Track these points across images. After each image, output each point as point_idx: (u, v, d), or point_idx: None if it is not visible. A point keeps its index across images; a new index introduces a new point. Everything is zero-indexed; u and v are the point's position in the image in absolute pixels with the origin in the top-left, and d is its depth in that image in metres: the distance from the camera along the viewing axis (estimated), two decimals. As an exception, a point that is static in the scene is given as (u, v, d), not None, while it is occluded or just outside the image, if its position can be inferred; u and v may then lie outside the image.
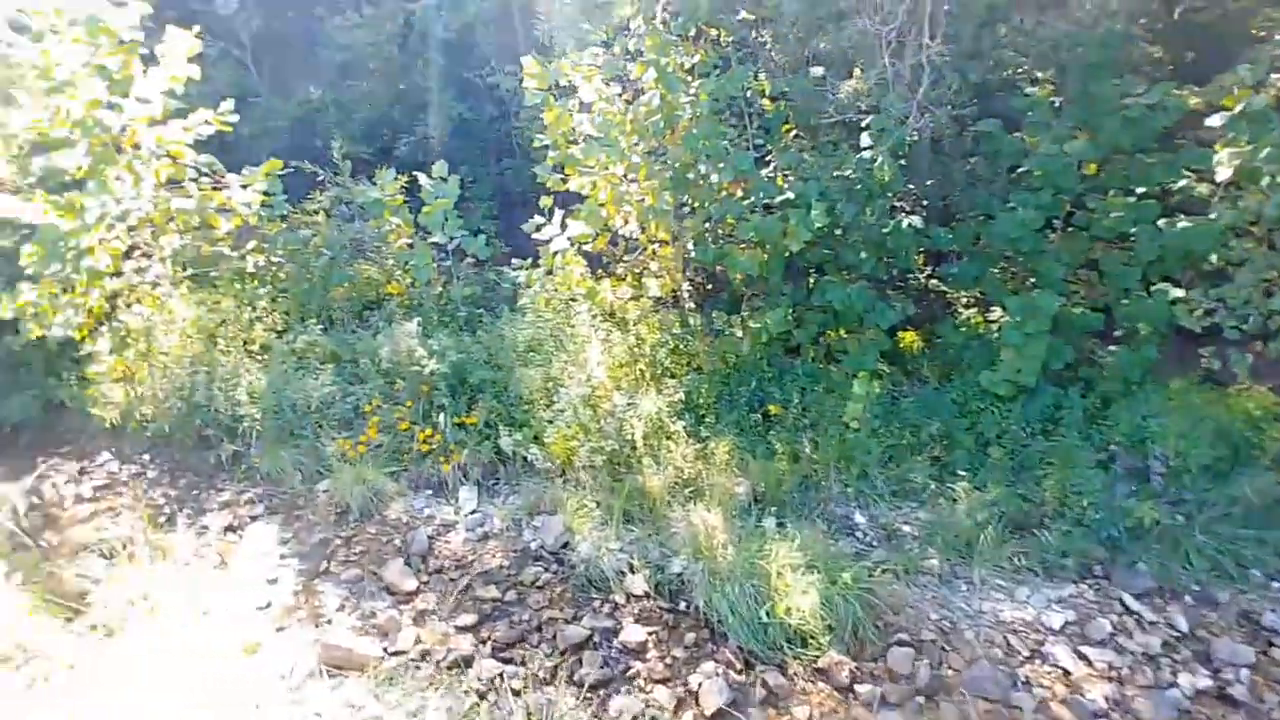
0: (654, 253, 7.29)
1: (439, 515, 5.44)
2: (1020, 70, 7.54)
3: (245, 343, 6.63)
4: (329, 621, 4.50)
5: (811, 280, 6.89)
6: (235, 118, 7.07)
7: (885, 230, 6.46)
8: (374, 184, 7.45)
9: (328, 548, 5.12)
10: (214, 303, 6.79)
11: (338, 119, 11.85)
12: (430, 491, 5.72)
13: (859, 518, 5.38)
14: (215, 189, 7.27)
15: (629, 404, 5.91)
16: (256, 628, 4.36)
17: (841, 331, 6.56)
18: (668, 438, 5.75)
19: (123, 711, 2.69)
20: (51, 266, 6.24)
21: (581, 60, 6.72)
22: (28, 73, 6.74)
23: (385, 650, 4.23)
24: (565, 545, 5.06)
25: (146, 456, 6.16)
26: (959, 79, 6.89)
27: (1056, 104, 6.57)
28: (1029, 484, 5.28)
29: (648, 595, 4.67)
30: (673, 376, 6.43)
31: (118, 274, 6.78)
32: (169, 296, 6.76)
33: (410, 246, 7.33)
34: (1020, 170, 6.39)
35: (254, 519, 5.52)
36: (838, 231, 6.60)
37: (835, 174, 6.73)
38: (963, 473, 5.40)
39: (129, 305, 6.79)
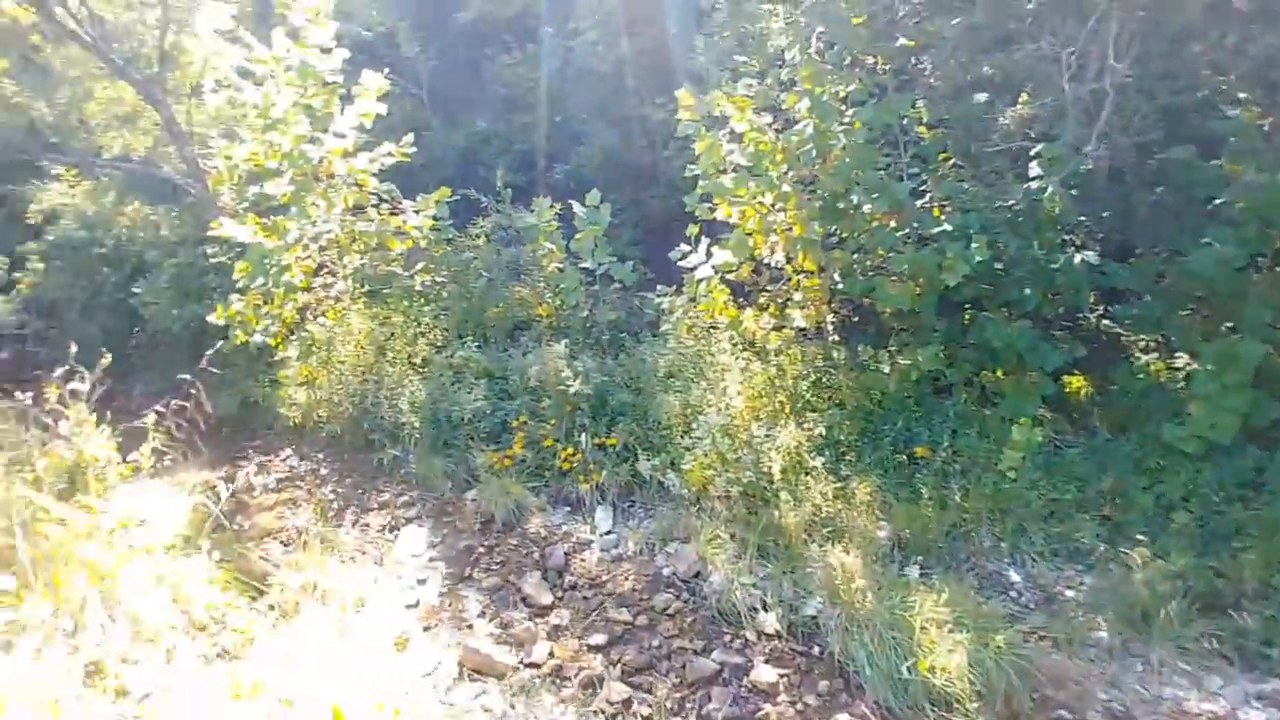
0: (799, 283, 7.17)
1: (575, 533, 5.60)
2: (1220, 91, 6.79)
3: (409, 356, 7.17)
4: (470, 626, 4.74)
5: (967, 317, 6.51)
6: (414, 149, 7.76)
7: (1054, 266, 6.00)
8: (531, 211, 7.91)
9: (472, 555, 5.40)
10: (385, 318, 7.40)
11: (499, 149, 12.66)
12: (568, 509, 5.91)
13: (1014, 576, 4.98)
14: (392, 214, 8.00)
15: (767, 436, 5.83)
16: (406, 624, 4.67)
17: (999, 373, 6.14)
18: (806, 473, 5.61)
19: (295, 687, 2.96)
20: (256, 281, 7.10)
21: (735, 91, 6.79)
22: (249, 112, 7.74)
23: (521, 661, 4.38)
24: (697, 575, 5.04)
25: (321, 455, 6.79)
26: (1145, 102, 6.32)
27: (1264, 127, 5.86)
28: (1223, 556, 4.66)
29: (780, 635, 4.55)
30: (813, 410, 6.27)
31: (308, 289, 7.60)
32: (348, 311, 7.46)
33: (561, 271, 7.67)
34: (1218, 202, 5.73)
35: (408, 521, 5.92)
36: (999, 266, 6.22)
37: (998, 205, 6.37)
38: (1140, 537, 4.86)
39: (315, 317, 7.55)
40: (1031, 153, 6.26)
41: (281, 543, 5.35)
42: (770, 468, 5.60)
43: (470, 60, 14.68)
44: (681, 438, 6.00)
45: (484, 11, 14.56)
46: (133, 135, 8.67)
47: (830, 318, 7.15)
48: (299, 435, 7.12)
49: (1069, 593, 4.77)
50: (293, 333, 7.44)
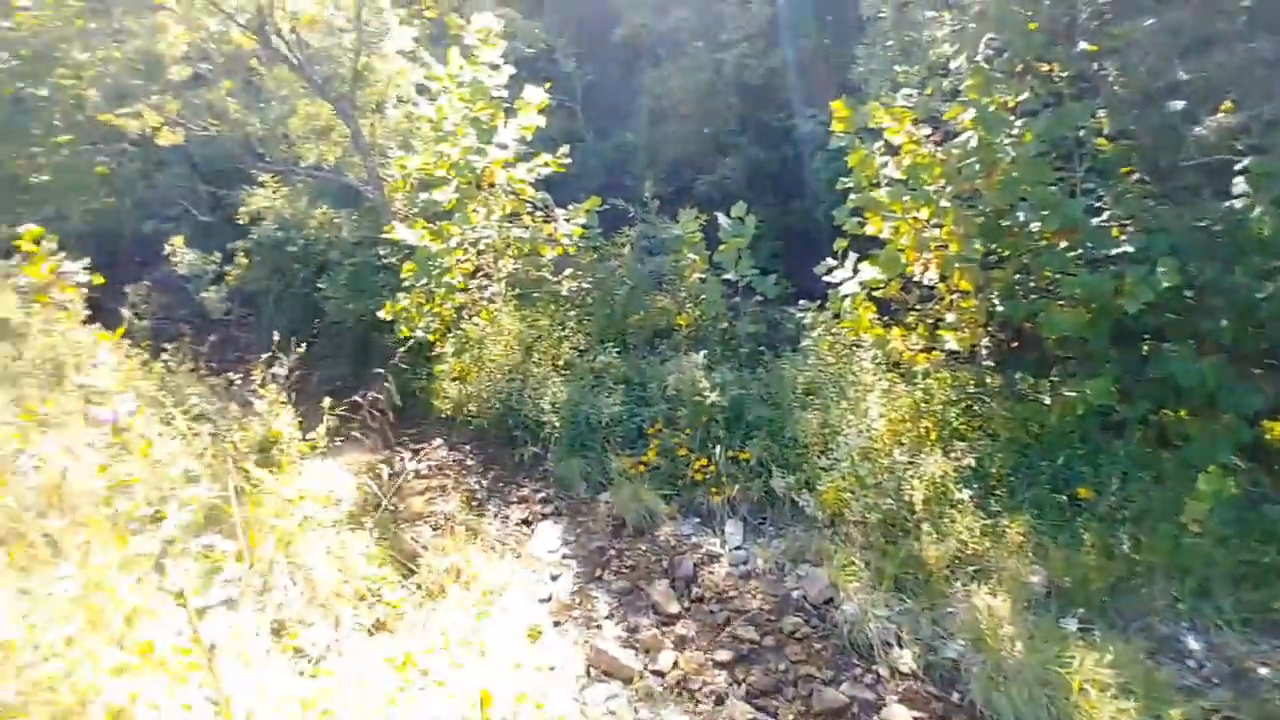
0: (952, 303, 6.80)
1: (705, 545, 5.61)
2: None
3: (554, 358, 7.48)
4: (598, 626, 4.87)
5: (1146, 348, 5.90)
6: (569, 160, 8.11)
7: (1260, 296, 5.32)
8: (676, 221, 8.03)
9: (603, 556, 5.54)
10: (533, 320, 7.77)
11: (646, 160, 12.92)
12: (698, 520, 5.93)
13: (1193, 643, 4.44)
14: (545, 222, 8.40)
15: (910, 462, 5.56)
16: (539, 617, 4.86)
17: (1183, 413, 5.51)
18: (951, 505, 5.29)
19: (439, 665, 3.16)
20: (421, 280, 7.69)
21: (895, 102, 6.56)
22: (423, 125, 8.41)
23: (646, 667, 4.45)
24: (828, 601, 4.90)
25: (468, 447, 7.22)
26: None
27: None
28: None
29: (915, 675, 4.32)
30: (962, 439, 5.92)
31: (465, 289, 8.12)
32: (499, 312, 7.89)
33: (702, 281, 7.72)
34: None
35: (544, 517, 6.17)
36: (1188, 293, 5.60)
37: (1192, 225, 5.72)
38: (1358, 615, 4.20)
39: (470, 317, 8.05)
40: (1236, 168, 5.59)
41: (431, 527, 5.73)
42: (912, 496, 5.35)
43: (622, 74, 15.14)
44: (818, 457, 5.86)
45: (638, 26, 14.97)
46: (325, 147, 9.68)
47: (986, 341, 6.71)
48: (449, 427, 7.60)
49: (1262, 670, 4.19)
50: (449, 330, 7.98)
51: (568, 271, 8.28)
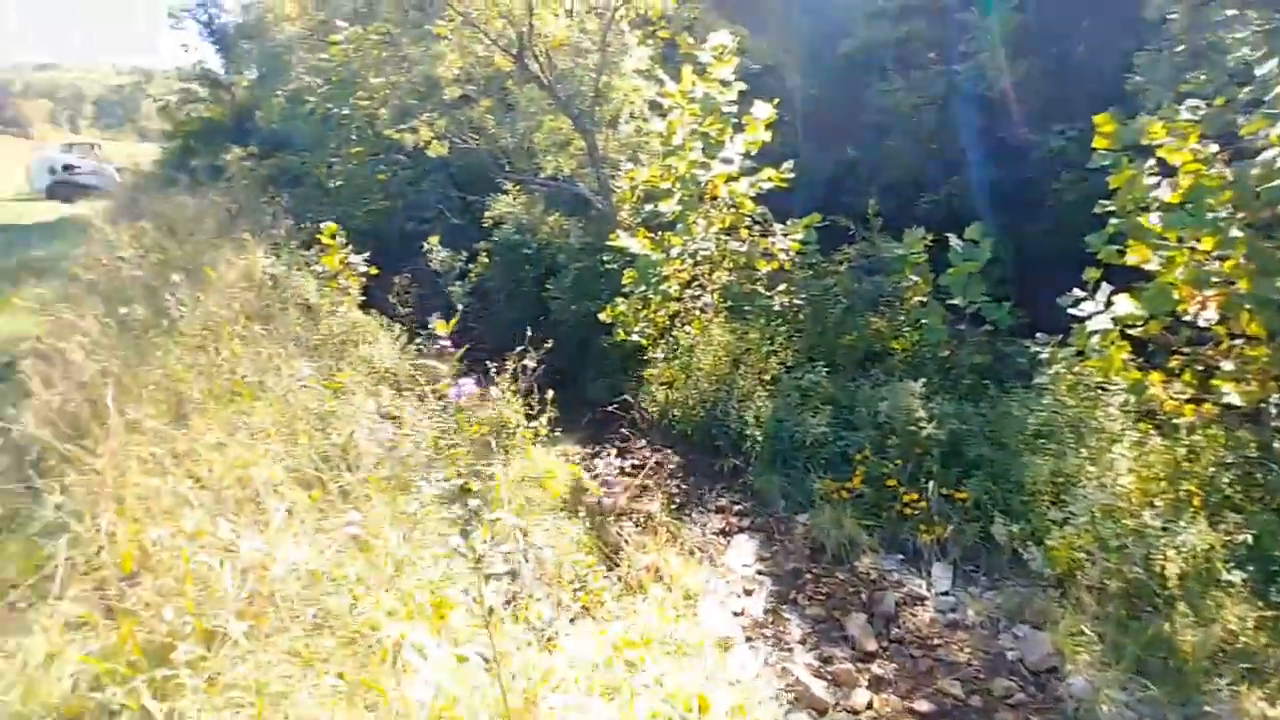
0: (1233, 349, 5.83)
1: (908, 584, 5.31)
2: None
3: (760, 372, 7.48)
4: (789, 650, 4.79)
5: None
6: (792, 176, 8.07)
7: None
8: (899, 240, 7.68)
9: (798, 579, 5.45)
10: (742, 333, 7.83)
11: (866, 177, 12.50)
12: (902, 556, 5.62)
13: None
14: (761, 236, 8.43)
15: (1164, 529, 4.85)
16: (731, 630, 4.89)
17: None
18: (1217, 586, 4.54)
19: (646, 659, 3.30)
20: (639, 287, 8.06)
21: (1178, 115, 5.76)
22: (653, 140, 8.82)
23: (838, 702, 4.31)
24: (1050, 670, 4.42)
25: (671, 451, 7.45)
26: None
27: None
28: None
29: (1157, 774, 3.78)
30: (1236, 510, 5.05)
31: (679, 299, 8.38)
32: (710, 323, 8.05)
33: (923, 305, 7.32)
34: None
35: (740, 530, 6.19)
36: None
37: None
38: None
39: (682, 325, 8.30)
40: None
41: (634, 523, 5.99)
42: (1164, 568, 4.66)
43: (847, 88, 14.75)
44: (1048, 508, 5.30)
45: (867, 39, 14.53)
46: (562, 158, 10.50)
47: (1276, 397, 5.66)
48: (653, 430, 7.89)
49: None
50: (661, 336, 8.28)
51: (781, 287, 8.23)
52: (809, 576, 5.47)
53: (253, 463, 3.03)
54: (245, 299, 6.23)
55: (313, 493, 3.12)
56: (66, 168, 23.47)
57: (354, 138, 10.52)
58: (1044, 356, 6.57)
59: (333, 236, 8.27)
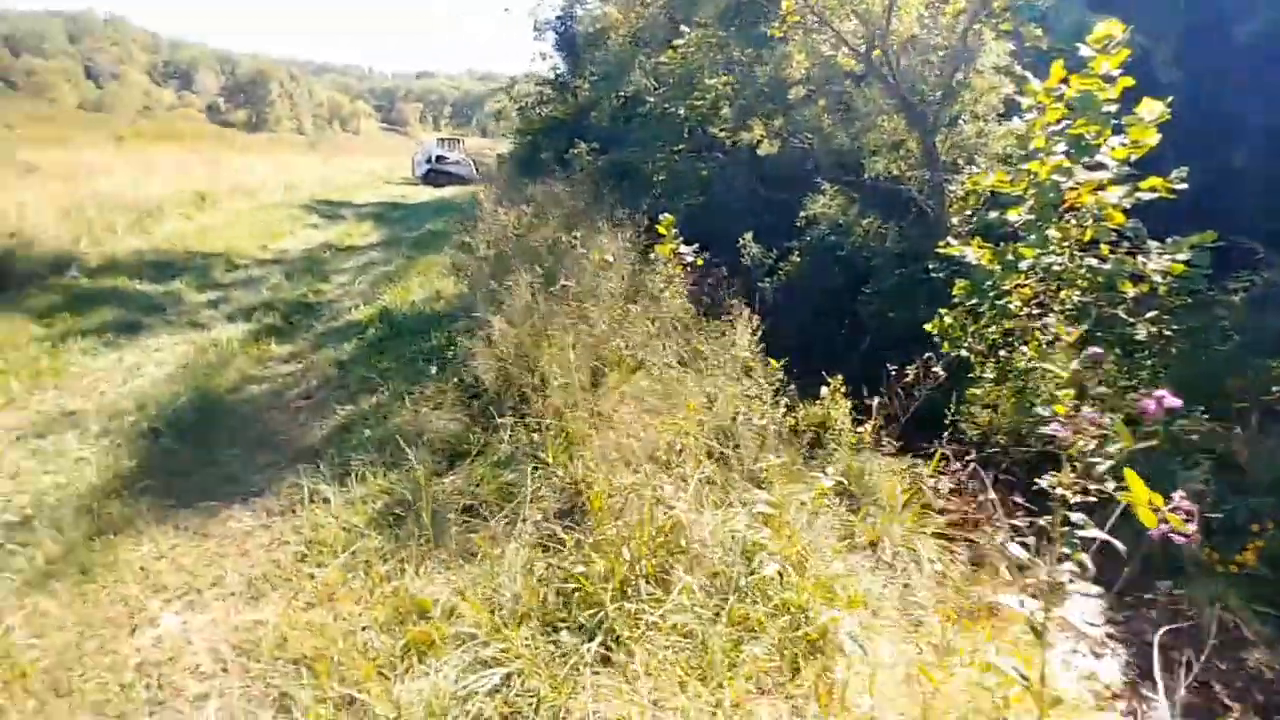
0: None
1: (1317, 693, 4.31)
2: None
3: (1112, 409, 6.55)
4: (1149, 733, 4.16)
5: None
6: (1184, 185, 6.87)
7: None
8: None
9: (1164, 655, 4.68)
10: (1093, 363, 6.92)
11: (1263, 187, 10.33)
12: (1305, 658, 4.58)
13: None
14: (1129, 254, 7.30)
15: None
16: (1078, 691, 4.38)
17: None
18: None
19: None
20: (971, 300, 7.48)
21: None
22: (994, 142, 8.10)
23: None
24: None
25: (993, 477, 6.85)
26: None
27: None
28: None
29: None
30: None
31: (1017, 315, 7.62)
32: (1053, 346, 7.22)
33: (1363, 354, 5.83)
34: None
35: (1073, 579, 5.50)
36: None
37: None
38: None
39: (1016, 345, 7.56)
40: None
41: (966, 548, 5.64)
42: None
43: (1240, 80, 12.21)
44: None
45: (1274, 19, 11.84)
46: (891, 160, 10.12)
47: None
48: (971, 451, 7.31)
49: None
50: (990, 354, 7.62)
51: (1150, 314, 7.10)
52: (1175, 655, 4.67)
53: (682, 430, 3.39)
54: (613, 279, 6.96)
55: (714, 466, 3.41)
56: (439, 159, 28.44)
57: (686, 135, 11.21)
58: None
59: (668, 228, 8.86)
